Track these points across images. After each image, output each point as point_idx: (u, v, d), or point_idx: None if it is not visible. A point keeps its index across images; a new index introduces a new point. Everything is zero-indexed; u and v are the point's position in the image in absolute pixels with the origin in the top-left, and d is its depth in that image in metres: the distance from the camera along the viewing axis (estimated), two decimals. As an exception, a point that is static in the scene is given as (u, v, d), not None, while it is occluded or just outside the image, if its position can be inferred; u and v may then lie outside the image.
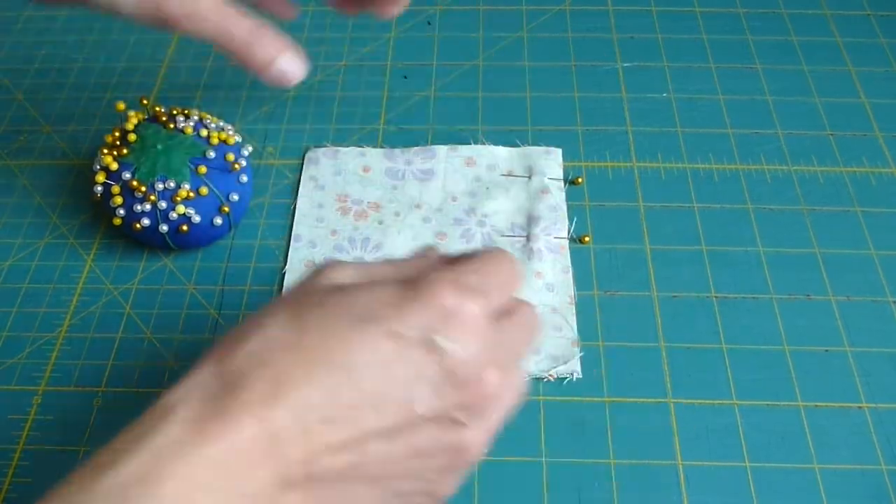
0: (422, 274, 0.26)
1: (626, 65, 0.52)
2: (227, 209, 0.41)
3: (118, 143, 0.41)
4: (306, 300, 0.25)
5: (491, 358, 0.25)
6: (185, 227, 0.40)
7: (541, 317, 0.29)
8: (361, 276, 0.27)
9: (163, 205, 0.40)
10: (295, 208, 0.44)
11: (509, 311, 0.27)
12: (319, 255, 0.42)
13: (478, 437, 0.26)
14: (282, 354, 0.24)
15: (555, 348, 0.38)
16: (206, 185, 0.40)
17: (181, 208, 0.40)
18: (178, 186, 0.40)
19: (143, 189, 0.40)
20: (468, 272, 0.26)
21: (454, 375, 0.24)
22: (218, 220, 0.41)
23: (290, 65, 0.35)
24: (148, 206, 0.40)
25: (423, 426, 0.25)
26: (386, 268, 0.28)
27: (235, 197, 0.41)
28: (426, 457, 0.25)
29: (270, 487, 0.23)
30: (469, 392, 0.25)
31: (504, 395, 0.26)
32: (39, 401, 0.38)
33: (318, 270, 0.27)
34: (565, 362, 0.38)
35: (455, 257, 0.28)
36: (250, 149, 0.43)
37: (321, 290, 0.26)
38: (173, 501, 0.21)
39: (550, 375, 0.37)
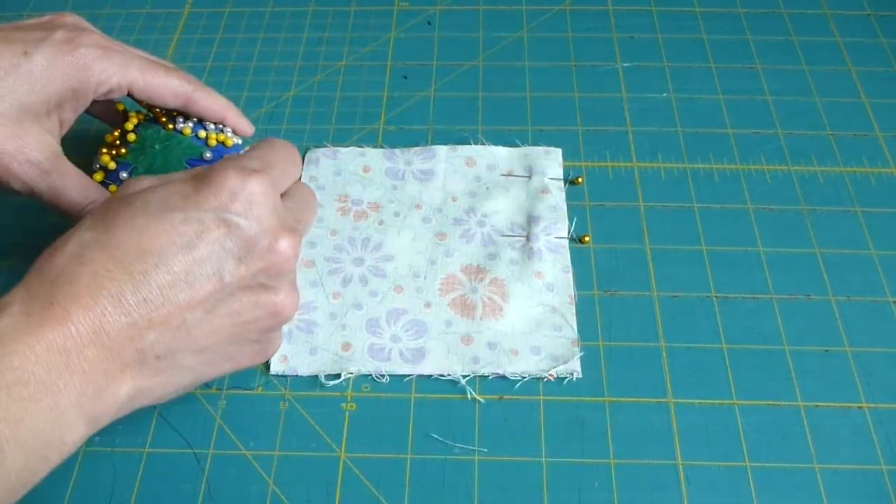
0: (207, 167, 0.31)
1: (626, 65, 0.52)
2: None
3: (117, 142, 0.41)
4: (113, 205, 0.29)
5: (280, 225, 0.30)
6: None
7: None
8: (160, 181, 0.31)
9: None
10: (295, 208, 0.44)
11: (291, 188, 0.34)
12: (319, 256, 0.42)
13: (287, 297, 0.31)
14: (97, 252, 0.27)
15: (555, 348, 0.38)
16: None
17: None
18: None
19: None
20: (249, 158, 0.31)
21: (251, 244, 0.29)
22: None
23: (237, 117, 0.41)
24: None
25: (236, 294, 0.29)
26: (180, 172, 0.32)
27: None
28: (246, 322, 0.30)
29: (103, 365, 0.26)
30: (267, 257, 0.29)
31: (297, 255, 0.31)
32: (39, 401, 0.38)
33: (123, 185, 0.32)
34: (565, 362, 0.38)
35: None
36: None
37: (125, 196, 0.30)
38: (15, 374, 0.24)
39: (550, 375, 0.37)
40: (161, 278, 0.28)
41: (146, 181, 0.31)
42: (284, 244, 0.30)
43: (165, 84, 0.38)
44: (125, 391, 0.28)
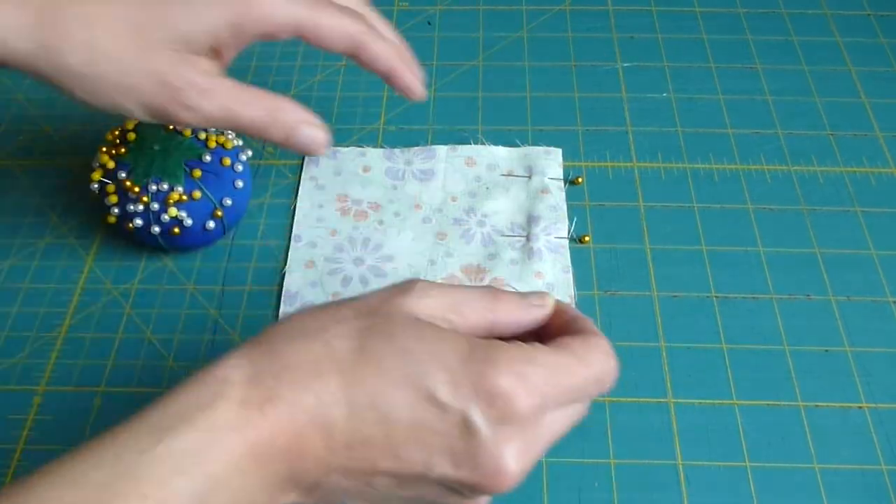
0: (494, 346, 0.25)
1: (626, 65, 0.52)
2: (220, 213, 0.41)
3: (118, 141, 0.41)
4: (380, 323, 0.25)
5: (517, 449, 0.25)
6: (176, 230, 0.40)
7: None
8: (443, 310, 0.26)
9: (155, 206, 0.40)
10: (295, 208, 0.44)
11: (561, 407, 0.26)
12: (320, 256, 0.42)
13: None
14: (333, 373, 0.24)
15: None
16: (200, 188, 0.40)
17: (173, 211, 0.40)
18: (171, 189, 0.40)
19: (137, 190, 0.40)
20: (539, 365, 0.25)
21: (476, 457, 0.24)
22: (211, 225, 0.41)
23: (311, 134, 0.34)
24: (140, 207, 0.40)
25: (432, 486, 0.25)
26: (474, 311, 0.27)
27: (229, 202, 0.41)
28: None
29: (283, 483, 0.24)
30: (483, 475, 0.24)
31: (512, 484, 0.25)
32: (39, 401, 0.38)
33: (404, 289, 0.27)
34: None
35: (562, 321, 0.28)
36: (249, 153, 0.43)
37: (397, 318, 0.26)
38: (214, 481, 0.22)
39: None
40: (375, 433, 0.24)
41: (429, 300, 0.26)
42: (510, 471, 0.24)
43: (338, 25, 0.33)
44: None
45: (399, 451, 0.24)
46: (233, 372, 0.24)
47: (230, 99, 0.32)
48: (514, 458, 0.24)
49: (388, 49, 0.35)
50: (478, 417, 0.24)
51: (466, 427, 0.24)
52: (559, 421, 0.27)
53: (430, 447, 0.24)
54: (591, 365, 0.26)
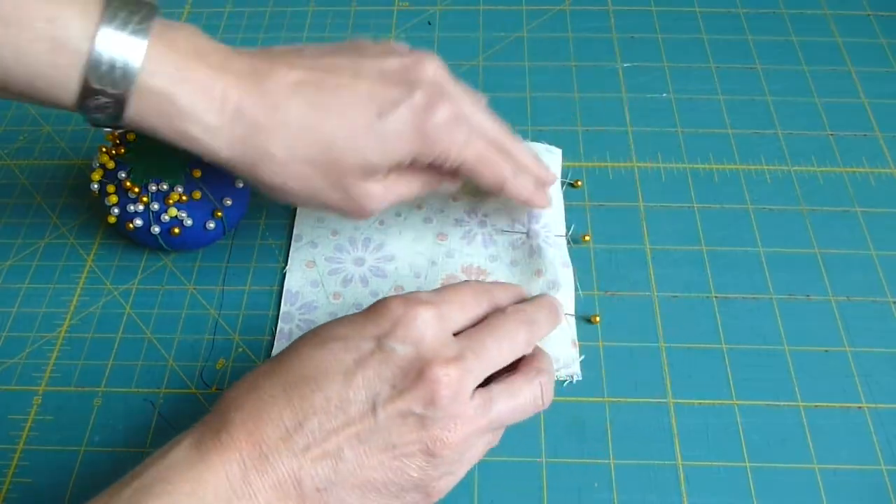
0: (382, 299, 0.31)
1: (626, 65, 0.52)
2: (220, 213, 0.41)
3: (118, 141, 0.41)
4: (298, 339, 0.30)
5: (438, 353, 0.28)
6: (176, 230, 0.40)
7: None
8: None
9: (155, 206, 0.40)
10: (296, 208, 0.44)
11: (481, 325, 0.31)
12: (320, 256, 0.42)
13: (445, 432, 0.28)
14: (266, 378, 0.28)
15: (554, 348, 0.38)
16: (200, 188, 0.40)
17: (173, 211, 0.40)
18: (171, 189, 0.40)
19: (137, 190, 0.40)
20: (423, 293, 0.31)
21: (405, 370, 0.28)
22: (211, 225, 0.41)
23: (540, 199, 0.40)
24: (140, 207, 0.40)
25: (391, 425, 0.27)
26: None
27: (229, 202, 0.41)
28: (402, 455, 0.28)
29: (266, 493, 0.26)
30: (420, 384, 0.27)
31: (463, 389, 0.28)
32: (39, 401, 0.38)
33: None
34: (565, 363, 0.38)
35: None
36: None
37: (311, 330, 0.31)
38: (188, 502, 0.25)
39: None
40: (317, 403, 0.27)
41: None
42: (438, 371, 0.28)
43: (491, 171, 0.36)
44: None
45: (342, 404, 0.27)
46: (187, 432, 0.28)
47: (399, 195, 0.36)
48: (437, 347, 0.29)
49: (527, 185, 0.38)
50: (388, 340, 0.29)
51: (383, 352, 0.28)
52: (477, 332, 0.31)
53: (365, 387, 0.27)
54: (462, 284, 0.33)
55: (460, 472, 0.30)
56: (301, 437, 0.27)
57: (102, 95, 0.30)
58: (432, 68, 0.34)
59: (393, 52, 0.35)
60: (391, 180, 0.35)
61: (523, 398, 0.30)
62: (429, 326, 0.29)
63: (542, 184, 0.40)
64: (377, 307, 0.30)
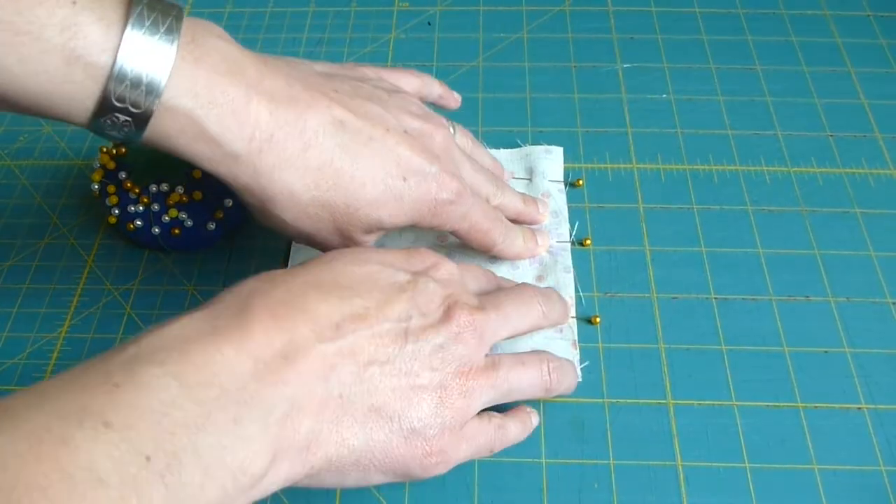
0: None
1: (626, 65, 0.52)
2: (220, 214, 0.41)
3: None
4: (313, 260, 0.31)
5: (469, 301, 0.31)
6: (177, 231, 0.40)
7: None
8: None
9: (156, 207, 0.40)
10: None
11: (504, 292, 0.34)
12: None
13: (460, 377, 0.29)
14: (291, 278, 0.28)
15: (555, 350, 0.38)
16: (201, 189, 0.40)
17: (174, 212, 0.40)
18: (172, 189, 0.40)
19: (137, 190, 0.40)
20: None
21: (438, 305, 0.30)
22: (211, 226, 0.41)
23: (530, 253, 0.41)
24: (141, 208, 0.40)
25: (417, 351, 0.28)
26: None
27: (230, 202, 0.41)
28: (416, 388, 0.28)
29: (290, 387, 0.25)
30: (451, 321, 0.30)
31: (484, 336, 0.31)
32: (40, 401, 0.38)
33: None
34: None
35: None
36: None
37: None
38: (198, 374, 0.23)
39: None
40: (356, 308, 0.28)
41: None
42: (465, 312, 0.30)
43: (483, 238, 0.38)
44: (306, 428, 0.25)
45: (377, 316, 0.28)
46: (195, 309, 0.26)
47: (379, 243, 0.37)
48: (467, 293, 0.32)
49: (515, 243, 0.40)
50: (425, 277, 0.31)
51: (419, 284, 0.30)
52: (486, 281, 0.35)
53: (397, 307, 0.29)
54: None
55: (452, 458, 0.30)
56: (337, 335, 0.26)
57: (122, 114, 0.27)
58: (441, 137, 0.35)
59: (411, 107, 0.35)
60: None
61: (531, 369, 0.33)
62: (457, 276, 0.32)
63: (531, 233, 0.41)
64: (413, 251, 0.32)
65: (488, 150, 0.44)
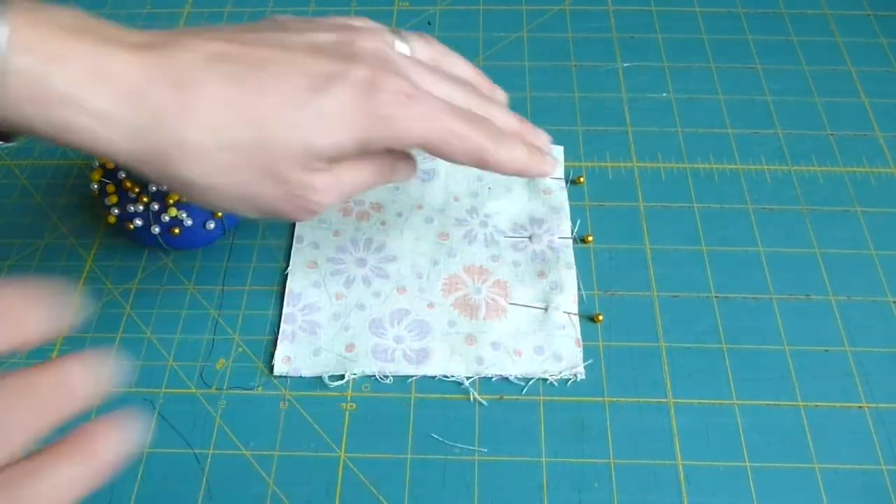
0: None
1: (626, 65, 0.52)
2: (220, 213, 0.41)
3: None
4: None
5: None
6: (176, 230, 0.40)
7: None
8: None
9: (155, 206, 0.40)
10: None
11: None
12: (322, 257, 0.42)
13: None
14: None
15: (558, 347, 0.38)
16: None
17: (173, 210, 0.40)
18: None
19: (137, 190, 0.40)
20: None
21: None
22: (211, 224, 0.41)
23: (538, 166, 0.33)
24: (140, 207, 0.40)
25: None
26: None
27: None
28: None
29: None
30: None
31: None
32: (40, 401, 0.38)
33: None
34: (569, 363, 0.38)
35: None
36: None
37: None
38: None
39: (554, 379, 0.37)
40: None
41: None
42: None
43: (462, 145, 0.30)
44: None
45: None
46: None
47: (350, 188, 0.31)
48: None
49: (516, 152, 0.32)
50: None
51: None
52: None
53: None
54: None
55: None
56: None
57: None
58: (373, 42, 0.30)
59: (323, 25, 0.31)
60: (337, 172, 0.30)
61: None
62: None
63: (537, 148, 0.34)
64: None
65: (472, 64, 0.36)
